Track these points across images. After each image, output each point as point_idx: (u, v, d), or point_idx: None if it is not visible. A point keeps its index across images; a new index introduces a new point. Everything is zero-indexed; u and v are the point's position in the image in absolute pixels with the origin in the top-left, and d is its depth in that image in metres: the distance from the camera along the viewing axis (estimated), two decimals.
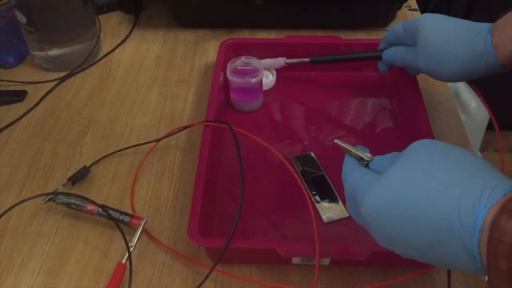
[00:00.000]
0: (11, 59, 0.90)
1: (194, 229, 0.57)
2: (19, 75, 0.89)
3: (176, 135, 0.75)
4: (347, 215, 0.64)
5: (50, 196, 0.65)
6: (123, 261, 0.59)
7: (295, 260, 0.58)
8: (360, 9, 0.93)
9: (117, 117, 0.80)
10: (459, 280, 0.58)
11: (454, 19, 0.65)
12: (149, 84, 0.86)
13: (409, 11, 0.99)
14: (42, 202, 0.65)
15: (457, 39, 0.63)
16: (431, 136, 0.67)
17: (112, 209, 0.63)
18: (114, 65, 0.91)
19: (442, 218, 0.39)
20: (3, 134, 0.78)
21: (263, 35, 0.94)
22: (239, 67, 0.78)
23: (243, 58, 0.79)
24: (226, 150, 0.73)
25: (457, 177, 0.40)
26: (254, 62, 0.78)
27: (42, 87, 0.86)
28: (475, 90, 0.72)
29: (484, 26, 0.62)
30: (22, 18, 0.82)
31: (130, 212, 0.64)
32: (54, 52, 0.86)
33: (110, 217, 0.62)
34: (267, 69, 0.82)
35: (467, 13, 0.67)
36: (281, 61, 0.81)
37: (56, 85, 0.86)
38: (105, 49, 0.94)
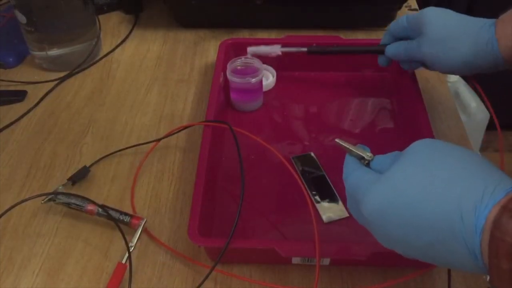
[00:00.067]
0: (11, 59, 0.90)
1: (194, 229, 0.57)
2: (19, 75, 0.89)
3: (176, 135, 0.75)
4: (347, 215, 0.64)
5: (50, 196, 0.65)
6: (123, 261, 0.59)
7: (295, 260, 0.58)
8: (360, 9, 0.93)
9: (117, 117, 0.80)
10: (459, 280, 0.58)
11: (457, 13, 0.65)
12: (149, 84, 0.86)
13: (409, 11, 0.99)
14: (42, 202, 0.65)
15: (462, 30, 0.63)
16: (431, 136, 0.67)
17: (112, 209, 0.63)
18: (114, 65, 0.91)
19: (444, 217, 0.39)
20: (3, 134, 0.78)
21: (263, 35, 0.94)
22: (239, 67, 0.78)
23: (243, 58, 0.79)
24: (226, 150, 0.73)
25: (458, 177, 0.40)
26: (254, 62, 0.78)
27: (42, 87, 0.86)
28: (475, 88, 0.72)
29: (488, 20, 0.62)
30: (22, 18, 0.82)
31: (130, 212, 0.64)
32: (54, 52, 0.86)
33: (110, 217, 0.62)
34: (264, 55, 0.80)
35: (467, 13, 0.68)
36: (276, 49, 0.79)
37: (56, 85, 0.86)
38: (105, 49, 0.94)
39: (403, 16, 0.70)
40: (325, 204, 0.65)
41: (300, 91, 0.83)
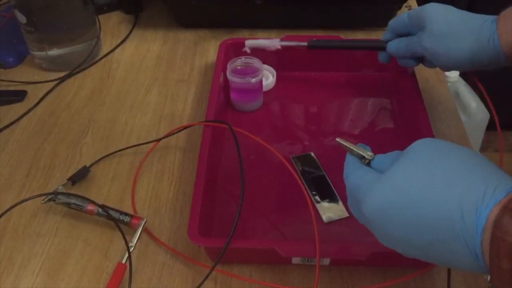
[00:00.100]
0: (11, 59, 0.90)
1: (194, 229, 0.57)
2: (19, 75, 0.89)
3: (176, 135, 0.75)
4: (347, 215, 0.64)
5: (50, 196, 0.65)
6: (123, 261, 0.59)
7: (295, 260, 0.58)
8: (360, 9, 0.93)
9: (117, 117, 0.80)
10: (459, 280, 0.58)
11: (459, 9, 0.65)
12: (149, 84, 0.86)
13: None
14: (42, 202, 0.65)
15: (463, 25, 0.63)
16: (431, 136, 0.67)
17: (112, 209, 0.63)
18: (114, 65, 0.91)
19: (444, 217, 0.39)
20: (3, 134, 0.78)
21: (263, 35, 0.94)
22: (239, 67, 0.78)
23: (243, 58, 0.79)
24: (226, 150, 0.73)
25: (459, 176, 0.40)
26: (254, 62, 0.78)
27: (42, 87, 0.86)
28: (475, 87, 0.72)
29: (490, 16, 0.62)
30: (22, 18, 0.82)
31: (131, 212, 0.64)
32: (54, 52, 0.86)
33: (110, 217, 0.62)
34: (264, 48, 0.80)
35: (468, 11, 0.69)
36: (276, 42, 0.79)
37: (56, 85, 0.86)
38: (105, 49, 0.94)
39: (404, 13, 0.70)
40: (325, 204, 0.65)
41: (300, 91, 0.83)
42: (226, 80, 0.79)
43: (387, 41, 0.73)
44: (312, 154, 0.72)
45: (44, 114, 0.81)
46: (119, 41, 0.95)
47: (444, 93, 0.82)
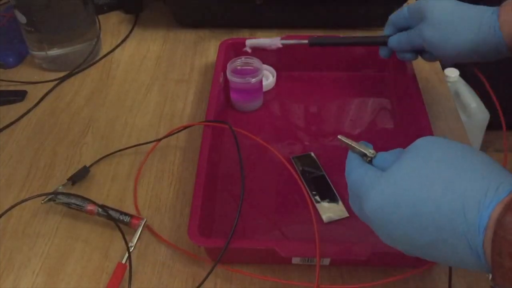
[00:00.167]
0: (11, 59, 0.90)
1: (194, 229, 0.57)
2: (19, 75, 0.89)
3: (176, 135, 0.75)
4: (347, 215, 0.64)
5: (50, 196, 0.65)
6: (123, 261, 0.59)
7: (295, 260, 0.58)
8: (360, 9, 0.93)
9: (117, 117, 0.80)
10: (460, 280, 0.58)
11: (459, 1, 0.65)
12: (149, 84, 0.86)
13: None
14: (42, 202, 0.65)
15: (464, 15, 0.63)
16: None
17: (112, 209, 0.63)
18: (114, 65, 0.91)
19: (446, 216, 0.39)
20: (3, 134, 0.78)
21: (263, 35, 0.94)
22: (239, 67, 0.78)
23: (243, 58, 0.79)
24: (226, 150, 0.73)
25: (461, 174, 0.40)
26: (254, 62, 0.78)
27: (42, 87, 0.86)
28: (476, 86, 0.72)
29: (490, 7, 0.62)
30: (22, 18, 0.82)
31: (133, 212, 0.64)
32: (54, 52, 0.86)
33: (110, 217, 0.62)
34: (265, 47, 0.80)
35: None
36: (276, 41, 0.79)
37: (56, 85, 0.86)
38: (105, 49, 0.94)
39: (404, 7, 0.70)
40: (325, 204, 0.65)
41: (300, 91, 0.83)
42: (226, 80, 0.79)
43: (388, 36, 0.72)
44: (312, 154, 0.72)
45: (44, 114, 0.81)
46: (119, 41, 0.95)
47: (444, 93, 0.82)
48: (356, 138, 0.50)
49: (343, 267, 0.59)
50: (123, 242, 0.60)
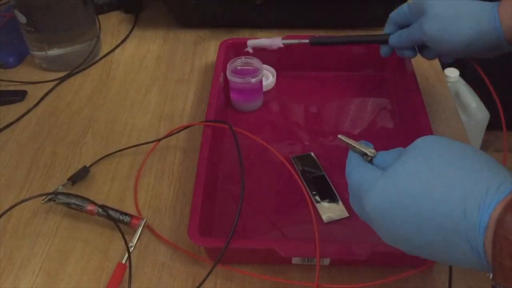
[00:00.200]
0: (11, 59, 0.90)
1: (194, 229, 0.57)
2: (19, 75, 0.89)
3: (176, 135, 0.75)
4: (347, 215, 0.64)
5: (50, 196, 0.65)
6: (123, 261, 0.59)
7: (295, 260, 0.58)
8: (360, 9, 0.93)
9: (117, 117, 0.80)
10: (460, 280, 0.58)
11: None
12: (149, 84, 0.86)
13: None
14: (42, 202, 0.65)
15: (464, 9, 0.62)
16: None
17: (112, 209, 0.63)
18: (114, 65, 0.91)
19: (447, 215, 0.39)
20: (3, 134, 0.78)
21: (263, 35, 0.94)
22: (239, 67, 0.78)
23: (243, 58, 0.79)
24: (226, 150, 0.73)
25: (462, 174, 0.40)
26: (254, 62, 0.78)
27: (42, 87, 0.86)
28: (476, 87, 0.72)
29: (491, 2, 0.62)
30: (22, 18, 0.82)
31: (133, 212, 0.64)
32: (54, 52, 0.86)
33: (109, 217, 0.62)
34: (266, 47, 0.79)
35: None
36: (277, 41, 0.79)
37: (56, 85, 0.86)
38: (105, 49, 0.94)
39: (404, 4, 0.70)
40: (325, 204, 0.65)
41: (300, 91, 0.83)
42: (226, 80, 0.79)
43: (389, 34, 0.72)
44: (312, 154, 0.72)
45: (44, 114, 0.81)
46: (119, 41, 0.95)
47: (444, 93, 0.82)
48: (356, 138, 0.50)
49: (343, 267, 0.59)
50: (123, 242, 0.60)
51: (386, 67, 0.85)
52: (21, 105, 0.83)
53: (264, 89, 0.81)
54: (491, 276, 0.38)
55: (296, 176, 0.60)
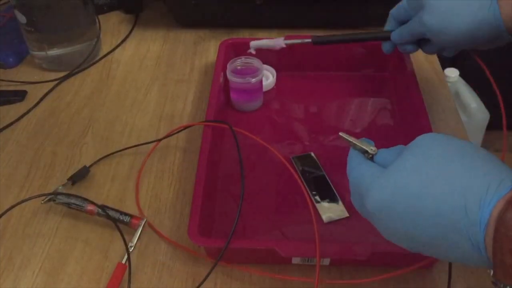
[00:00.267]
0: (11, 59, 0.90)
1: (194, 229, 0.57)
2: (19, 75, 0.89)
3: (176, 135, 0.75)
4: (347, 215, 0.64)
5: (50, 196, 0.65)
6: (123, 262, 0.59)
7: (295, 260, 0.58)
8: (360, 9, 0.93)
9: (117, 117, 0.80)
10: (460, 280, 0.58)
11: None
12: (149, 84, 0.86)
13: None
14: (42, 202, 0.65)
15: (464, 0, 0.63)
16: None
17: (112, 209, 0.63)
18: (114, 65, 0.91)
19: (447, 212, 0.39)
20: (3, 134, 0.78)
21: (263, 35, 0.94)
22: (239, 67, 0.78)
23: (243, 58, 0.79)
24: (226, 150, 0.73)
25: (462, 171, 0.40)
26: (254, 62, 0.78)
27: (42, 87, 0.86)
28: (476, 87, 0.72)
29: None
30: (22, 18, 0.82)
31: (134, 212, 0.64)
32: (54, 52, 0.86)
33: (109, 217, 0.62)
34: (269, 48, 0.79)
35: None
36: (280, 41, 0.78)
37: (56, 85, 0.86)
38: (105, 49, 0.94)
39: (403, 0, 0.70)
40: (325, 204, 0.65)
41: (300, 91, 0.83)
42: (226, 80, 0.79)
43: (390, 31, 0.72)
44: (312, 154, 0.72)
45: (44, 114, 0.81)
46: (119, 41, 0.95)
47: (444, 93, 0.82)
48: (357, 137, 0.50)
49: (343, 267, 0.59)
50: (123, 242, 0.60)
51: (386, 67, 0.85)
52: (21, 105, 0.83)
53: (264, 89, 0.81)
54: (491, 272, 0.38)
55: (296, 176, 0.60)
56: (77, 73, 0.88)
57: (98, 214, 0.63)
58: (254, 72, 0.77)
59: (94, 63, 0.91)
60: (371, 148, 0.48)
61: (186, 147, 0.75)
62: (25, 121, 0.80)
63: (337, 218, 0.64)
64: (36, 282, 0.59)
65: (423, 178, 0.41)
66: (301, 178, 0.68)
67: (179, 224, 0.65)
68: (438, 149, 0.43)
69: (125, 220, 0.62)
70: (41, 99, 0.83)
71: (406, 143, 0.46)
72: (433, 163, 0.42)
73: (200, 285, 0.57)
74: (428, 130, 0.68)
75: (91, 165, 0.71)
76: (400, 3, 0.71)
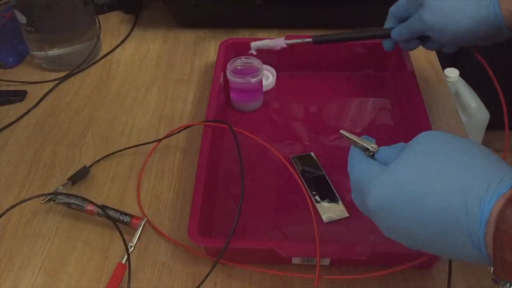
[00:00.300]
0: (11, 59, 0.90)
1: (194, 229, 0.57)
2: (19, 75, 0.89)
3: (176, 135, 0.75)
4: (347, 215, 0.64)
5: (50, 196, 0.65)
6: (123, 262, 0.59)
7: (295, 260, 0.58)
8: (360, 9, 0.93)
9: (117, 117, 0.80)
10: (460, 280, 0.58)
11: None
12: (149, 84, 0.86)
13: None
14: (42, 202, 0.65)
15: None
16: None
17: (112, 209, 0.63)
18: (114, 65, 0.91)
19: (448, 210, 0.39)
20: (3, 134, 0.78)
21: (263, 35, 0.94)
22: (239, 67, 0.78)
23: (243, 58, 0.79)
24: (226, 150, 0.73)
25: (463, 169, 0.40)
26: (254, 62, 0.78)
27: (42, 87, 0.86)
28: (476, 87, 0.72)
29: None
30: (22, 18, 0.82)
31: (136, 212, 0.64)
32: (54, 52, 0.86)
33: (109, 217, 0.62)
34: (269, 48, 0.79)
35: None
36: (281, 41, 0.78)
37: (56, 85, 0.86)
38: (105, 49, 0.94)
39: None
40: (325, 204, 0.65)
41: (300, 91, 0.83)
42: (226, 80, 0.79)
43: (390, 29, 0.72)
44: (312, 154, 0.72)
45: (44, 114, 0.81)
46: (119, 41, 0.95)
47: (444, 93, 0.82)
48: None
49: (343, 267, 0.59)
50: (123, 242, 0.60)
51: (386, 67, 0.85)
52: (21, 105, 0.83)
53: (264, 89, 0.81)
54: (492, 270, 0.38)
55: (296, 176, 0.60)
56: (77, 73, 0.88)
57: (98, 214, 0.63)
58: (254, 72, 0.77)
59: (94, 63, 0.91)
60: (372, 146, 0.48)
61: (186, 147, 0.75)
62: (25, 121, 0.80)
63: (337, 218, 0.64)
64: (36, 282, 0.59)
65: (423, 176, 0.41)
66: (301, 178, 0.68)
67: (179, 224, 0.65)
68: (438, 147, 0.43)
69: (125, 220, 0.62)
70: (41, 99, 0.83)
71: (406, 142, 0.46)
72: (434, 160, 0.42)
73: (200, 285, 0.57)
74: (428, 130, 0.68)
75: (91, 165, 0.71)
76: (399, 1, 0.71)
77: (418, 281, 0.58)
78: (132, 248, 0.61)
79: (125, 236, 0.61)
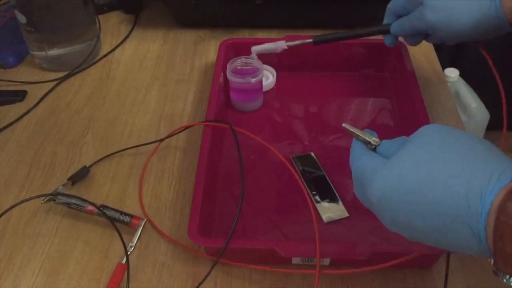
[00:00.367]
0: (11, 59, 0.90)
1: (194, 229, 0.57)
2: (19, 75, 0.89)
3: (176, 135, 0.75)
4: (347, 215, 0.64)
5: (50, 196, 0.65)
6: (123, 262, 0.59)
7: (295, 260, 0.58)
8: (360, 9, 0.93)
9: (117, 117, 0.80)
10: (460, 280, 0.58)
11: None
12: (149, 84, 0.86)
13: None
14: (42, 202, 0.65)
15: None
16: None
17: (112, 209, 0.63)
18: (114, 65, 0.91)
19: (449, 202, 0.39)
20: (3, 134, 0.78)
21: (263, 35, 0.94)
22: (239, 67, 0.78)
23: (243, 58, 0.79)
24: (226, 150, 0.73)
25: (464, 162, 0.40)
26: (254, 62, 0.78)
27: (42, 87, 0.86)
28: (476, 87, 0.72)
29: None
30: (22, 18, 0.82)
31: (136, 212, 0.64)
32: (54, 52, 0.86)
33: (108, 217, 0.62)
34: (271, 52, 0.79)
35: None
36: (282, 44, 0.78)
37: (56, 85, 0.86)
38: (105, 49, 0.94)
39: None
40: (325, 204, 0.65)
41: (300, 91, 0.83)
42: (226, 80, 0.79)
43: (390, 24, 0.72)
44: (312, 154, 0.72)
45: (44, 114, 0.81)
46: (119, 41, 0.95)
47: (444, 93, 0.82)
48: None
49: (343, 267, 0.59)
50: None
51: (386, 67, 0.85)
52: (21, 105, 0.83)
53: (264, 89, 0.81)
54: (492, 261, 0.39)
55: (296, 176, 0.60)
56: (77, 73, 0.88)
57: (98, 214, 0.63)
58: (254, 72, 0.77)
59: (94, 63, 0.91)
60: (373, 139, 0.48)
61: (186, 147, 0.75)
62: (25, 121, 0.80)
63: (337, 218, 0.64)
64: (36, 282, 0.59)
65: (425, 169, 0.41)
66: (301, 178, 0.68)
67: (179, 224, 0.65)
68: (439, 140, 0.43)
69: (125, 220, 0.62)
70: (41, 99, 0.83)
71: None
72: (435, 153, 0.42)
73: (200, 284, 0.57)
74: None
75: (91, 165, 0.71)
76: None
77: (418, 281, 0.58)
78: (132, 248, 0.61)
79: (126, 236, 0.61)
